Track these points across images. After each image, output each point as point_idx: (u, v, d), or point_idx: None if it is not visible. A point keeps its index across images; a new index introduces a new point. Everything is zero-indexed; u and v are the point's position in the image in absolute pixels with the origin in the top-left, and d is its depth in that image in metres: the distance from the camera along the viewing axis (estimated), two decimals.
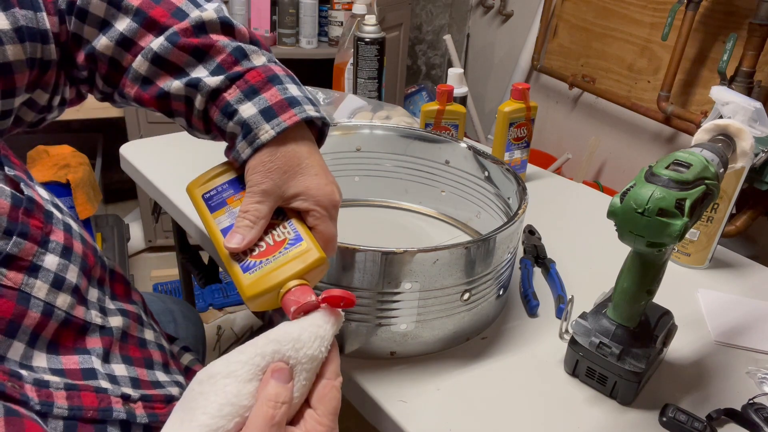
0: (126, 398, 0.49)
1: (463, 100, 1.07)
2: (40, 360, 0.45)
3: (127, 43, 0.52)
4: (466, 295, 0.62)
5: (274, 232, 0.50)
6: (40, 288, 0.45)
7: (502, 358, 0.65)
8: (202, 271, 1.11)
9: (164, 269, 2.02)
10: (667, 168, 0.52)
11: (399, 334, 0.61)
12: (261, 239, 0.50)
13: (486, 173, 0.82)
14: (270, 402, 0.38)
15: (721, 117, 0.77)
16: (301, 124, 0.52)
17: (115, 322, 0.53)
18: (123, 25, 0.52)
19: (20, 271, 0.44)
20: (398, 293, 0.58)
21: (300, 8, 1.84)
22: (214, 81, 0.51)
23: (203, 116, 0.54)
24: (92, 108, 1.83)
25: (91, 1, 0.52)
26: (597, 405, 0.60)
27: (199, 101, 0.52)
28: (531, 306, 0.72)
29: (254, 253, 0.49)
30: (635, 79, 1.88)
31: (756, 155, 0.81)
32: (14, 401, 0.40)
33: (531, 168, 1.12)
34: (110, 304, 0.54)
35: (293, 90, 0.53)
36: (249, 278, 0.48)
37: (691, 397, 0.61)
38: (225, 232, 0.51)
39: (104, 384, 0.48)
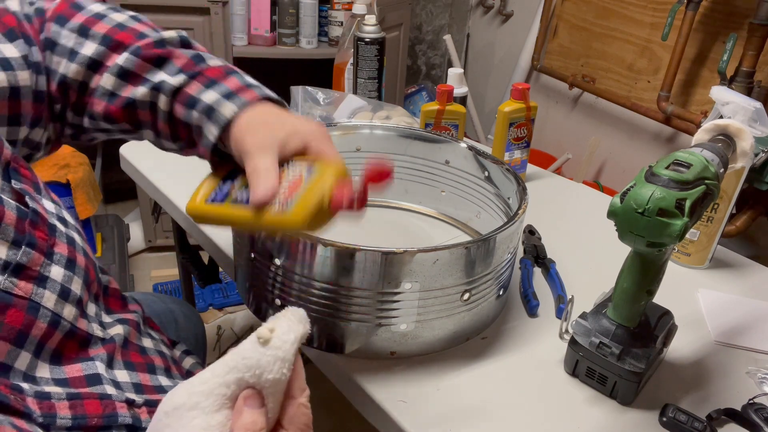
0: (130, 403, 0.49)
1: (463, 100, 1.07)
2: (44, 371, 0.45)
3: (95, 66, 0.56)
4: (466, 295, 0.62)
5: (287, 176, 0.51)
6: (48, 298, 0.45)
7: (502, 358, 0.65)
8: (202, 271, 1.11)
9: (164, 269, 2.02)
10: (667, 168, 0.52)
11: (399, 334, 0.61)
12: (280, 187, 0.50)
13: (486, 173, 0.82)
14: (249, 431, 0.37)
15: (721, 117, 0.77)
16: (263, 101, 0.55)
17: (115, 330, 0.53)
18: (91, 50, 0.55)
19: (30, 281, 0.44)
20: (398, 293, 0.58)
21: (300, 8, 1.84)
22: (175, 80, 0.55)
23: (169, 118, 0.56)
24: None
25: (61, 33, 0.55)
26: (597, 405, 0.60)
27: (163, 102, 0.55)
28: (531, 306, 0.72)
29: (282, 198, 0.49)
30: (635, 79, 1.88)
31: (756, 155, 0.81)
32: (18, 414, 0.40)
33: (531, 168, 1.12)
34: (107, 318, 0.55)
35: (253, 81, 0.57)
36: (292, 211, 0.48)
37: (691, 397, 0.61)
38: (245, 202, 0.51)
39: (109, 389, 0.48)
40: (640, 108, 1.85)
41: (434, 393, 0.60)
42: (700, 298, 0.78)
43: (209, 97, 0.53)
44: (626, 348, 0.58)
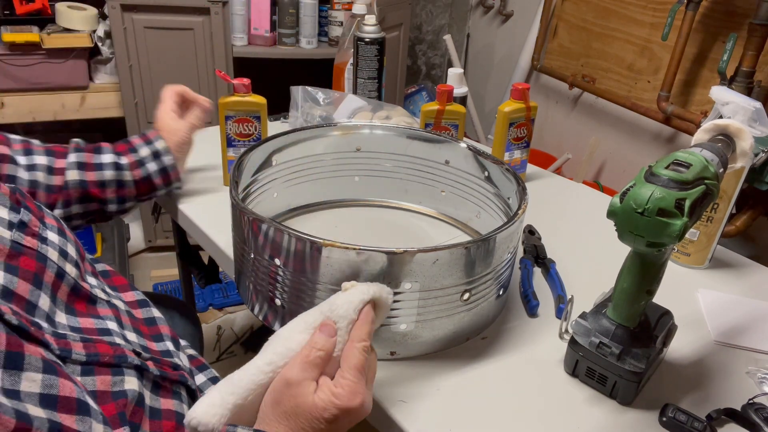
0: (138, 354, 0.54)
1: (463, 100, 1.07)
2: (61, 317, 0.51)
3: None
4: (466, 295, 0.62)
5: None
6: (52, 254, 0.52)
7: (502, 358, 0.65)
8: (202, 271, 1.11)
9: (164, 269, 2.02)
10: (666, 168, 0.52)
11: (399, 334, 0.61)
12: None
13: (486, 173, 0.82)
14: (309, 346, 0.48)
15: (721, 117, 0.77)
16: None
17: (119, 302, 0.60)
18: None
19: (34, 237, 0.52)
20: (398, 293, 0.58)
21: (300, 8, 1.84)
22: (119, 161, 0.81)
23: (134, 183, 0.82)
24: (92, 108, 1.83)
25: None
26: (597, 405, 0.60)
27: (125, 175, 0.81)
28: (531, 306, 0.72)
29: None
30: (635, 79, 1.88)
31: (756, 155, 0.81)
32: (37, 342, 0.44)
33: (531, 168, 1.12)
34: (110, 290, 0.61)
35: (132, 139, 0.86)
36: None
37: (691, 397, 0.61)
38: None
39: (118, 340, 0.53)
40: (640, 108, 1.84)
41: (434, 393, 0.60)
42: (700, 298, 0.78)
43: (145, 151, 0.83)
44: (626, 348, 0.58)
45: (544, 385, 0.62)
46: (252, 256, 0.63)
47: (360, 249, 0.56)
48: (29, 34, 1.69)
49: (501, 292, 0.68)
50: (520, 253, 0.84)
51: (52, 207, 0.75)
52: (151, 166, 0.81)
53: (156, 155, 0.82)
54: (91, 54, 1.83)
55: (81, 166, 0.77)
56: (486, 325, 0.69)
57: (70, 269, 0.54)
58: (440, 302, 0.60)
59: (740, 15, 1.54)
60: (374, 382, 0.52)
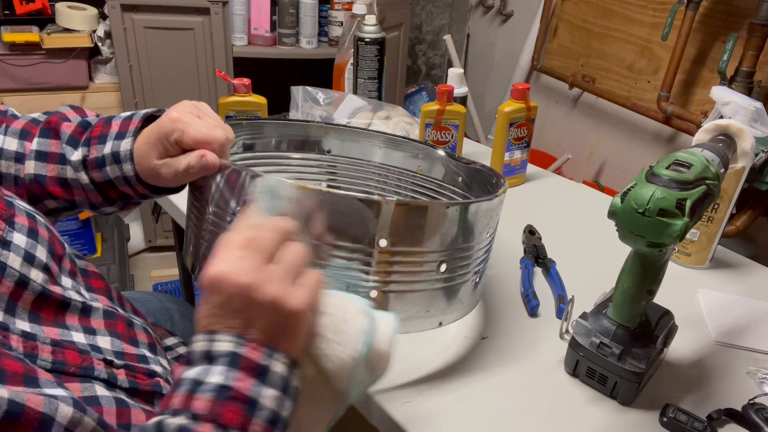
0: (109, 363, 0.50)
1: (463, 100, 1.07)
2: (23, 325, 0.47)
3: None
4: (443, 266, 0.57)
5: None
6: (14, 260, 0.47)
7: (502, 358, 0.65)
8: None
9: (164, 269, 2.02)
10: (667, 168, 0.52)
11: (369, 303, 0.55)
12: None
13: (460, 178, 0.79)
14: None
15: (721, 117, 0.77)
16: (147, 120, 0.61)
17: (96, 303, 0.55)
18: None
19: None
20: (371, 251, 0.53)
21: (300, 8, 1.84)
22: (77, 155, 0.60)
23: (95, 187, 0.61)
24: (92, 108, 1.82)
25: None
26: (597, 405, 0.60)
27: (81, 176, 0.60)
28: (531, 306, 0.72)
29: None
30: (635, 79, 1.88)
31: (756, 155, 0.81)
32: None
33: (531, 168, 1.12)
34: (85, 293, 0.56)
35: (129, 113, 0.62)
36: None
37: (691, 397, 0.61)
38: None
39: (85, 349, 0.50)
40: (640, 108, 1.84)
41: (434, 393, 0.60)
42: (700, 298, 0.78)
43: (108, 148, 0.59)
44: (626, 348, 0.58)
45: (544, 385, 0.62)
46: (212, 212, 0.58)
47: (333, 193, 0.51)
48: (29, 34, 1.69)
49: (477, 281, 0.63)
50: (521, 253, 0.84)
51: (32, 201, 0.62)
52: (112, 171, 0.60)
53: (116, 157, 0.59)
54: (91, 54, 1.83)
55: (41, 156, 0.60)
56: (461, 314, 0.63)
57: (36, 275, 0.49)
58: (416, 268, 0.56)
59: (740, 15, 1.54)
60: (312, 289, 0.45)
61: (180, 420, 0.39)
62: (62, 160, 0.60)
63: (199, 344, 0.42)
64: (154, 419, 0.39)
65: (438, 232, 0.56)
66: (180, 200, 0.91)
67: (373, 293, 0.56)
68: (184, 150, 0.57)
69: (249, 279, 0.41)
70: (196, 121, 0.56)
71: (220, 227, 0.57)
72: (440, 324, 0.61)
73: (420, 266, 0.56)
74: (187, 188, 0.63)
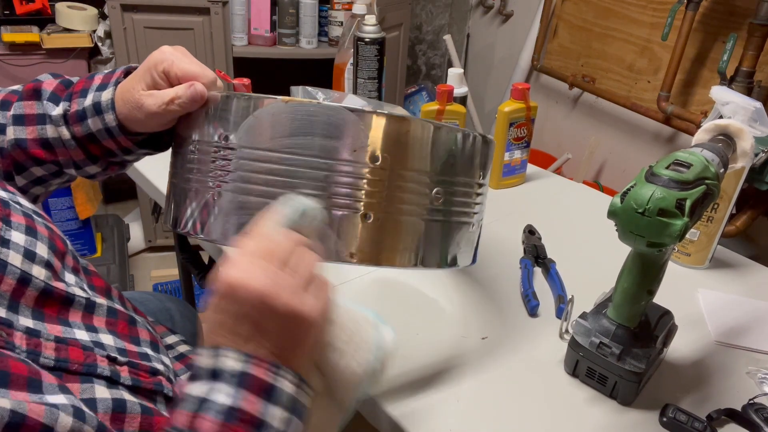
0: (112, 360, 0.50)
1: (463, 100, 1.07)
2: (27, 322, 0.46)
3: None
4: (439, 195, 0.54)
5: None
6: (14, 257, 0.47)
7: (502, 358, 0.65)
8: (202, 271, 1.11)
9: (164, 269, 2.02)
10: (667, 168, 0.52)
11: (363, 228, 0.52)
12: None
13: None
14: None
15: (721, 117, 0.77)
16: (129, 72, 0.60)
17: (100, 300, 0.54)
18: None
19: None
20: (365, 167, 0.51)
21: (300, 8, 1.84)
22: (58, 109, 0.59)
23: (77, 143, 0.60)
24: None
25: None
26: (597, 405, 0.60)
27: (63, 132, 0.59)
28: (531, 306, 0.72)
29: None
30: (635, 79, 1.88)
31: (756, 155, 0.81)
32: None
33: (531, 168, 1.12)
34: (89, 290, 0.55)
35: (108, 70, 0.61)
36: None
37: (691, 397, 0.61)
38: None
39: (89, 346, 0.49)
40: (640, 108, 1.84)
41: (434, 393, 0.60)
42: (700, 298, 0.78)
43: (89, 100, 0.58)
44: (626, 348, 0.58)
45: (544, 385, 0.62)
46: (197, 141, 0.55)
47: (321, 105, 0.49)
48: (29, 34, 1.69)
49: (472, 228, 0.60)
50: (520, 253, 0.84)
51: (10, 177, 0.62)
52: (93, 123, 0.58)
53: (97, 108, 0.57)
54: (91, 54, 1.84)
55: (19, 119, 0.59)
56: (454, 260, 0.59)
57: (38, 271, 0.48)
58: (410, 192, 0.53)
59: (740, 15, 1.54)
60: (324, 298, 0.45)
61: None
62: (41, 119, 0.59)
63: (204, 360, 0.41)
64: None
65: (428, 153, 0.53)
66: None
67: (369, 219, 0.52)
68: (172, 85, 0.55)
69: (266, 287, 0.40)
70: (187, 57, 0.56)
71: (204, 164, 0.54)
72: (438, 266, 0.58)
73: (414, 190, 0.53)
74: (170, 152, 0.61)
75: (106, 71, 0.61)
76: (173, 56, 0.55)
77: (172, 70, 0.55)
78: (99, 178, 0.66)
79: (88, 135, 0.59)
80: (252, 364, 0.40)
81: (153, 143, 0.62)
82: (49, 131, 0.59)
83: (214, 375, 0.40)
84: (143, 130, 0.59)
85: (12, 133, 0.59)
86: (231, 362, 0.40)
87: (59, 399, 0.40)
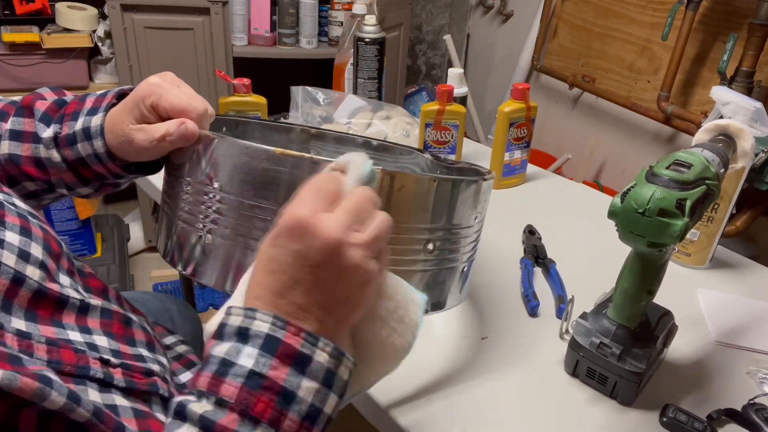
0: (105, 362, 0.49)
1: (463, 100, 1.07)
2: (19, 324, 0.46)
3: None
4: (431, 245, 0.55)
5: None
6: (8, 257, 0.46)
7: (501, 358, 0.65)
8: None
9: (164, 269, 2.01)
10: (667, 168, 0.52)
11: None
12: None
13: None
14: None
15: (721, 117, 0.77)
16: (120, 97, 0.59)
17: (95, 301, 0.54)
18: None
19: None
20: None
21: (300, 8, 1.84)
22: (48, 132, 0.59)
23: (67, 166, 0.59)
24: None
25: None
26: (597, 405, 0.60)
27: (53, 154, 0.59)
28: (531, 306, 0.72)
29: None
30: (635, 79, 1.88)
31: (756, 155, 0.81)
32: None
33: (531, 168, 1.12)
34: (83, 291, 0.55)
35: (100, 92, 0.61)
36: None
37: (691, 398, 0.61)
38: None
39: (82, 348, 0.49)
40: (640, 108, 1.84)
41: (433, 393, 0.60)
42: (700, 298, 0.78)
43: (79, 124, 0.58)
44: (626, 348, 0.58)
45: (544, 385, 0.62)
46: (187, 177, 0.55)
47: (318, 159, 0.48)
48: (29, 34, 1.69)
49: (464, 269, 0.61)
50: (521, 253, 0.84)
51: (11, 183, 0.61)
52: (83, 148, 0.58)
53: (87, 133, 0.57)
54: (91, 54, 1.83)
55: (16, 135, 0.59)
56: (443, 301, 0.60)
57: (32, 272, 0.48)
58: (404, 244, 0.53)
59: (740, 15, 1.54)
60: (383, 264, 0.43)
61: (204, 406, 0.37)
62: (36, 138, 0.59)
63: (234, 318, 0.40)
64: (178, 399, 0.38)
65: (424, 206, 0.54)
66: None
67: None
68: (161, 118, 0.54)
69: (337, 234, 0.38)
70: (175, 89, 0.55)
71: (194, 204, 0.54)
72: (426, 312, 0.56)
73: (407, 242, 0.54)
74: (163, 170, 0.60)
75: (98, 93, 0.61)
76: (160, 89, 0.54)
77: (161, 104, 0.54)
78: (92, 197, 0.66)
79: (78, 159, 0.59)
80: (284, 330, 0.38)
81: (144, 169, 0.62)
82: (42, 151, 0.59)
83: (242, 335, 0.39)
84: (134, 160, 0.58)
85: (7, 147, 0.59)
86: (262, 325, 0.38)
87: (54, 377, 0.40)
